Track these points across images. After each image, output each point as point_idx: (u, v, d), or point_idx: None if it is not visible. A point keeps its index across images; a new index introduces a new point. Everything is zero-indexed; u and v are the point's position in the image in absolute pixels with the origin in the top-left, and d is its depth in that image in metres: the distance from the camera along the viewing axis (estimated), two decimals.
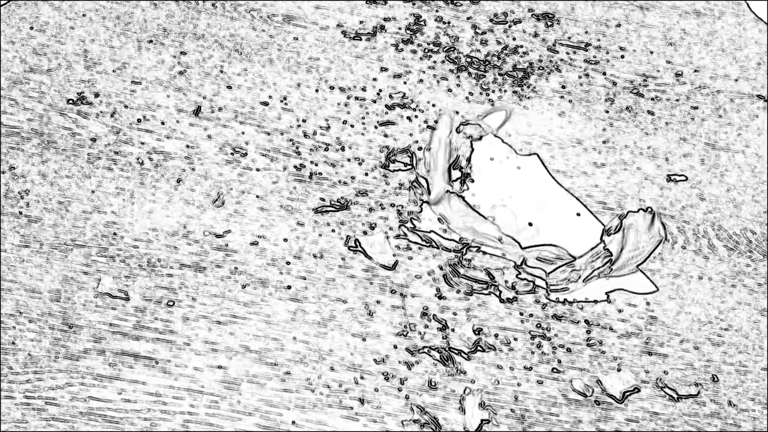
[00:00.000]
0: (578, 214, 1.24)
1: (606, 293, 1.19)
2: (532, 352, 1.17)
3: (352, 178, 1.26)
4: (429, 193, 1.19)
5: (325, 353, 1.16)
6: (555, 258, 1.20)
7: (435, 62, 1.35)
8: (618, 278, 1.20)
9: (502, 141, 1.24)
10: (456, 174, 1.25)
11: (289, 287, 1.19)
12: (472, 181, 1.24)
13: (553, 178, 1.25)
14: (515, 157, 1.26)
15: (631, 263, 1.20)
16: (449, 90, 1.33)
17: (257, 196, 1.25)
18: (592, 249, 1.20)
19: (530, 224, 1.22)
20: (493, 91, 1.33)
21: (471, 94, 1.32)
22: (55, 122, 1.28)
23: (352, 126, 1.30)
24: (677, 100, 1.33)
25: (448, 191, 1.15)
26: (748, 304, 1.20)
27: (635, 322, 1.19)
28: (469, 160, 1.25)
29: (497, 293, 1.20)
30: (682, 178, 1.27)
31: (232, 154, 1.27)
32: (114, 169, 1.25)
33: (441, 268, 1.21)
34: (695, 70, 1.35)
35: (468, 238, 1.17)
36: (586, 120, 1.31)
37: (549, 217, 1.22)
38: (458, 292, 1.20)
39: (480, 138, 1.24)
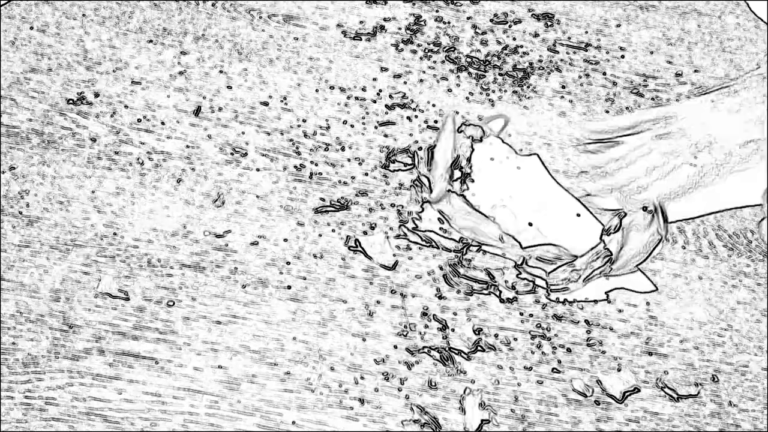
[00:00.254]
0: (578, 215, 1.24)
1: (606, 293, 1.19)
2: (532, 352, 1.17)
3: (352, 178, 1.27)
4: (430, 191, 1.19)
5: (325, 353, 1.16)
6: (555, 258, 1.20)
7: (435, 62, 1.35)
8: (617, 277, 1.20)
9: (503, 141, 1.24)
10: (456, 174, 1.25)
11: (289, 287, 1.19)
12: (473, 181, 1.24)
13: (553, 178, 1.25)
14: (515, 157, 1.26)
15: (631, 263, 1.20)
16: (449, 90, 1.33)
17: (257, 196, 1.25)
18: (592, 249, 1.20)
19: (530, 224, 1.22)
20: (493, 91, 1.33)
21: (471, 94, 1.32)
22: (55, 122, 1.28)
23: (352, 126, 1.30)
24: (677, 101, 1.33)
25: (449, 190, 1.16)
26: (748, 304, 1.20)
27: (635, 322, 1.19)
28: (469, 160, 1.25)
29: (497, 293, 1.20)
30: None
31: (232, 154, 1.27)
32: (113, 168, 1.25)
33: (441, 268, 1.21)
34: (695, 71, 1.35)
35: (468, 238, 1.17)
36: (587, 120, 1.31)
37: (549, 217, 1.23)
38: (458, 292, 1.20)
39: (480, 139, 1.24)
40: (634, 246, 1.20)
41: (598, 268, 1.18)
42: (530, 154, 1.27)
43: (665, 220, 1.18)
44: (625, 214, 1.22)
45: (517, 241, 1.20)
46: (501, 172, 1.26)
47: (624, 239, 1.20)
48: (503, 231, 1.17)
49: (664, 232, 1.18)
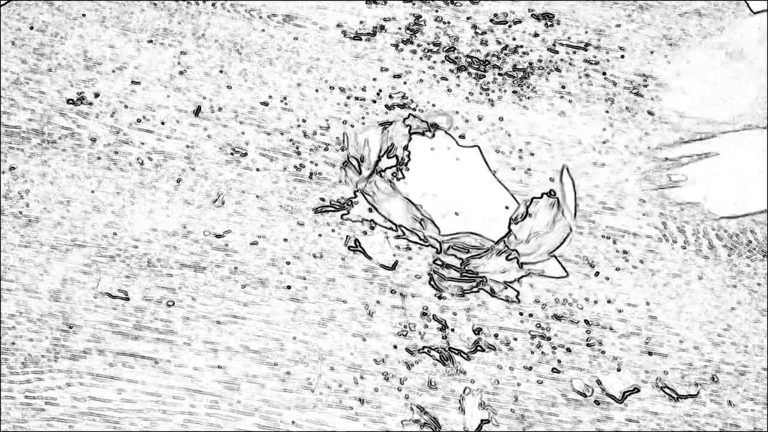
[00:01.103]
0: (507, 207, 1.24)
1: (518, 279, 1.20)
2: (532, 353, 1.17)
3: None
4: (359, 173, 1.19)
5: (325, 353, 1.16)
6: (474, 247, 1.20)
7: (435, 62, 1.35)
8: (533, 264, 1.21)
9: (446, 132, 1.24)
10: (390, 162, 1.25)
11: (289, 287, 1.19)
12: (408, 169, 1.24)
13: (490, 169, 1.25)
14: (456, 147, 1.26)
15: (542, 249, 1.20)
16: (449, 90, 1.33)
17: (257, 196, 1.25)
18: (501, 238, 1.20)
19: (456, 213, 1.22)
20: (493, 91, 1.33)
21: (471, 94, 1.32)
22: (55, 122, 1.28)
23: (352, 126, 1.30)
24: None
25: (372, 172, 1.16)
26: (749, 304, 1.20)
27: (635, 322, 1.19)
28: (406, 148, 1.25)
29: (488, 290, 1.20)
30: (682, 179, 1.27)
31: (232, 154, 1.27)
32: (114, 168, 1.26)
33: (429, 274, 1.21)
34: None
35: (394, 223, 1.17)
36: (587, 120, 1.31)
37: (475, 207, 1.23)
38: (452, 295, 1.20)
39: (423, 132, 1.24)
40: (540, 227, 1.21)
41: (502, 251, 1.18)
42: (472, 146, 1.27)
43: (575, 208, 1.19)
44: (531, 201, 1.23)
45: (437, 227, 1.20)
46: (438, 161, 1.26)
47: (533, 226, 1.21)
48: (425, 215, 1.17)
49: (572, 222, 1.18)
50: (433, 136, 1.25)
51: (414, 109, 1.31)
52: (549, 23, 1.38)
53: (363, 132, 1.18)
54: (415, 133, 1.25)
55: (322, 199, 1.25)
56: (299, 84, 1.33)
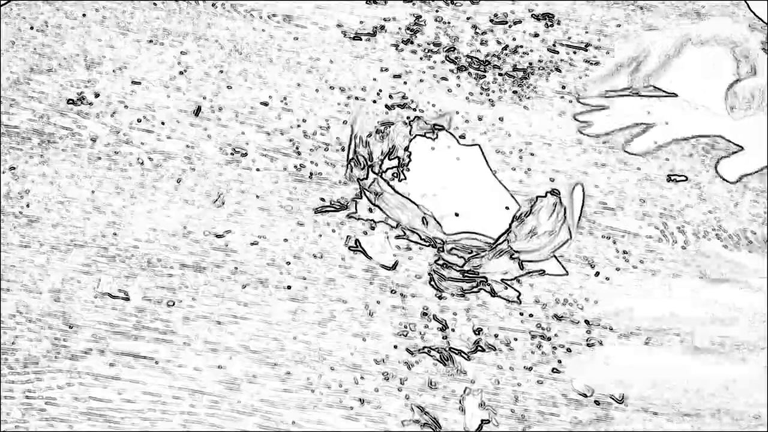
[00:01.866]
0: (507, 208, 1.24)
1: (517, 278, 1.20)
2: (532, 353, 1.17)
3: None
4: (364, 171, 1.20)
5: (326, 353, 1.16)
6: (475, 247, 1.20)
7: (435, 62, 1.35)
8: (534, 263, 1.21)
9: (447, 131, 1.24)
10: (392, 162, 1.25)
11: (289, 287, 1.19)
12: (408, 170, 1.24)
13: (491, 169, 1.25)
14: (456, 147, 1.26)
15: (544, 249, 1.21)
16: (449, 90, 1.33)
17: (257, 196, 1.25)
18: (501, 236, 1.21)
19: (456, 214, 1.22)
20: (493, 91, 1.33)
21: (471, 94, 1.32)
22: (55, 122, 1.28)
23: (352, 126, 1.30)
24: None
25: (366, 167, 1.16)
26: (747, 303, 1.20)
27: (635, 322, 1.19)
28: (407, 149, 1.25)
29: (488, 290, 1.20)
30: (682, 178, 1.27)
31: (232, 154, 1.27)
32: (114, 168, 1.25)
33: (430, 274, 1.21)
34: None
35: (397, 222, 1.17)
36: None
37: (477, 207, 1.23)
38: (452, 295, 1.20)
39: (425, 135, 1.24)
40: (542, 226, 1.21)
41: (502, 251, 1.19)
42: (472, 145, 1.27)
43: (578, 220, 1.19)
44: (536, 200, 1.23)
45: (440, 224, 1.20)
46: (439, 161, 1.26)
47: (536, 225, 1.21)
48: (427, 213, 1.17)
49: (573, 228, 1.19)
50: (436, 137, 1.25)
51: (415, 110, 1.31)
52: (549, 23, 1.38)
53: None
54: (418, 135, 1.25)
55: (322, 199, 1.25)
56: (299, 84, 1.33)
